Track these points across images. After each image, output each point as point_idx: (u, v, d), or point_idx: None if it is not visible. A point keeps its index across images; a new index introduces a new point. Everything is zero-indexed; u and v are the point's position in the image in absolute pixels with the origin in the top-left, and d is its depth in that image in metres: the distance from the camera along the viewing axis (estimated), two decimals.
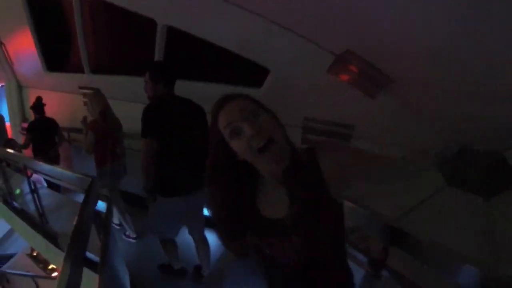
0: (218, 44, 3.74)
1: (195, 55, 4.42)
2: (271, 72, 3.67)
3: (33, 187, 3.43)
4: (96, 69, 5.65)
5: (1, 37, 6.90)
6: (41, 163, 3.23)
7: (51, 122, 5.12)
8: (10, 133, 7.68)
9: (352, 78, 2.94)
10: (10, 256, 7.07)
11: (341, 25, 2.61)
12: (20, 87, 7.72)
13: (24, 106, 7.73)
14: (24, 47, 6.55)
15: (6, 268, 6.65)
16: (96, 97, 3.66)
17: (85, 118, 3.74)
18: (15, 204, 4.05)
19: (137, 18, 4.39)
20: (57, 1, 5.51)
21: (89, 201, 2.19)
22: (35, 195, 3.44)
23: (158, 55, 4.50)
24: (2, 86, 8.19)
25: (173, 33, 4.21)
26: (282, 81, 3.60)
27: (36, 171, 3.36)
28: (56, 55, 6.25)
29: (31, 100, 7.34)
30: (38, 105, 5.15)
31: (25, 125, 5.74)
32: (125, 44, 5.22)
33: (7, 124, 8.53)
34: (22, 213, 3.85)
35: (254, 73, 3.77)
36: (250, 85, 3.93)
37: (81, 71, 5.72)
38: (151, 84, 2.48)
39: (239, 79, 4.09)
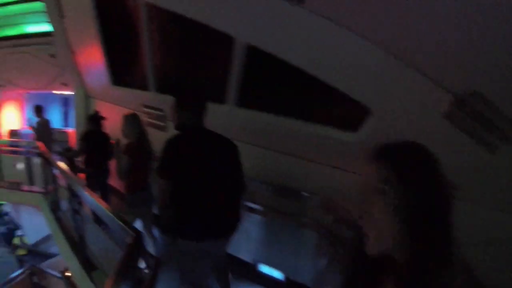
0: (311, 72, 3.02)
1: (278, 82, 3.65)
2: (373, 113, 2.89)
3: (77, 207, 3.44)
4: (162, 88, 5.11)
5: (73, 46, 6.82)
6: (90, 194, 3.01)
7: (106, 136, 4.88)
8: (74, 141, 7.83)
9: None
10: (52, 256, 7.14)
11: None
12: (87, 97, 7.68)
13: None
14: (93, 59, 6.38)
15: (45, 266, 6.84)
16: (133, 120, 3.50)
17: (118, 142, 3.55)
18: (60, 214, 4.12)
19: (212, 33, 3.77)
20: (128, 14, 5.10)
21: (129, 258, 2.06)
22: (78, 217, 3.45)
23: (234, 78, 3.84)
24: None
25: (254, 53, 3.51)
26: (386, 125, 2.90)
27: (82, 200, 3.26)
28: (123, 69, 5.91)
29: (96, 109, 7.41)
30: (94, 118, 4.94)
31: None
32: (195, 63, 4.63)
33: (71, 130, 8.64)
34: (64, 229, 3.89)
35: (350, 112, 3.16)
36: (342, 127, 3.27)
37: (147, 88, 5.25)
38: (177, 112, 2.22)
39: (330, 119, 3.36)
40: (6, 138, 9.21)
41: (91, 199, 2.92)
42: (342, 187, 3.61)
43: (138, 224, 3.54)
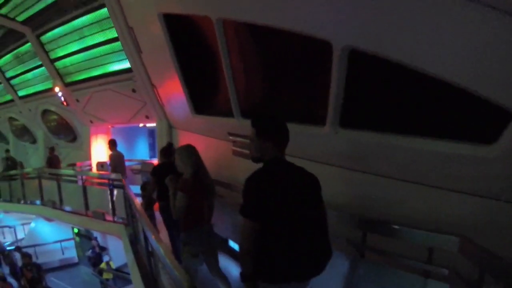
0: (431, 74, 2.48)
1: (387, 92, 3.10)
2: None
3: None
4: (248, 113, 4.79)
5: (152, 80, 6.96)
6: (154, 236, 2.89)
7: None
8: None
9: None
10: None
11: None
12: (170, 128, 7.76)
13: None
14: (173, 90, 6.37)
15: None
16: (187, 152, 3.21)
17: (171, 178, 3.19)
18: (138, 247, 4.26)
19: (302, 42, 3.35)
20: (204, 39, 4.95)
21: None
22: (151, 259, 3.50)
23: (334, 97, 3.31)
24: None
25: (356, 59, 2.99)
26: None
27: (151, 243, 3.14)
28: (205, 97, 5.79)
29: (180, 141, 7.54)
30: (165, 150, 4.75)
31: None
32: (284, 82, 4.22)
33: (155, 161, 8.85)
34: (139, 261, 3.96)
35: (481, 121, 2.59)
36: (473, 140, 2.60)
37: (231, 115, 4.99)
38: (258, 143, 2.01)
39: (456, 131, 2.70)
40: (94, 169, 9.74)
41: (154, 241, 2.85)
42: (480, 220, 2.96)
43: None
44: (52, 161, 9.87)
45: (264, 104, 4.63)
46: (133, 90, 7.76)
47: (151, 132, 12.17)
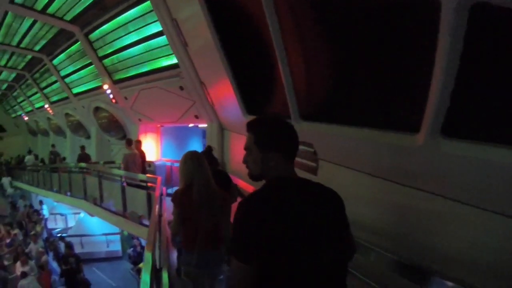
0: None
1: None
2: None
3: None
4: (309, 115, 3.98)
5: (201, 77, 6.42)
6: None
7: (222, 175, 4.14)
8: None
9: None
10: None
11: None
12: (222, 129, 7.24)
13: (224, 148, 7.24)
14: (223, 89, 5.77)
15: None
16: (183, 159, 2.78)
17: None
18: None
19: (389, 15, 2.45)
20: (255, 34, 4.22)
21: None
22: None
23: (438, 89, 2.12)
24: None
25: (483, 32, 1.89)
26: None
27: None
28: (258, 97, 5.11)
29: (232, 144, 7.02)
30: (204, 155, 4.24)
31: None
32: (355, 75, 3.20)
33: None
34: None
35: None
36: None
37: (288, 117, 4.14)
38: (258, 155, 1.40)
39: None
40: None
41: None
42: None
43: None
44: (82, 158, 10.51)
45: (330, 103, 3.75)
46: (181, 88, 7.27)
47: (205, 133, 11.72)
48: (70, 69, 12.26)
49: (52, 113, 16.94)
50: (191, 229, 2.67)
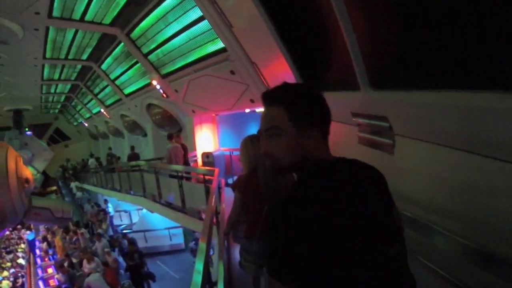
0: None
1: None
2: None
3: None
4: (380, 81, 3.27)
5: (252, 57, 6.02)
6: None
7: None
8: None
9: None
10: None
11: None
12: None
13: None
14: (276, 64, 5.30)
15: None
16: (242, 145, 2.74)
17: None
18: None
19: None
20: (309, 9, 3.63)
21: None
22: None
23: None
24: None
25: None
26: None
27: None
28: (316, 68, 4.53)
29: None
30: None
31: None
32: (431, 28, 2.48)
33: None
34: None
35: None
36: None
37: (355, 86, 3.19)
38: (294, 136, 1.06)
39: None
40: (199, 160, 9.67)
41: None
42: None
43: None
44: (131, 158, 11.33)
45: (405, 65, 2.96)
46: (232, 72, 6.95)
47: None
48: (119, 71, 12.47)
49: (108, 117, 17.67)
50: (254, 215, 2.58)
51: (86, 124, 25.08)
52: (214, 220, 4.34)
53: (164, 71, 9.36)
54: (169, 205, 7.57)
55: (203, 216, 5.96)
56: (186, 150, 7.92)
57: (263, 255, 2.48)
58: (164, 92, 9.75)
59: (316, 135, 1.06)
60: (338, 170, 1.06)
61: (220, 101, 8.48)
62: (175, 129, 11.65)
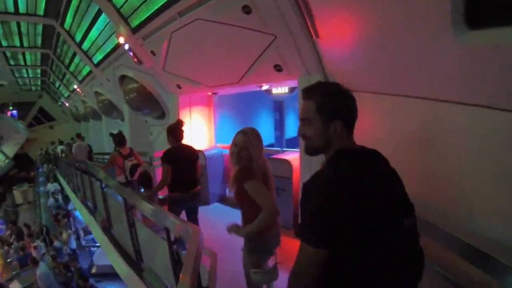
0: None
1: None
2: None
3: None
4: None
5: None
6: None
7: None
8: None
9: None
10: None
11: None
12: None
13: None
14: None
15: None
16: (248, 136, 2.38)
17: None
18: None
19: None
20: None
21: None
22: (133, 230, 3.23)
23: None
24: None
25: None
26: None
27: None
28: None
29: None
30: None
31: None
32: None
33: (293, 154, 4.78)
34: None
35: None
36: None
37: None
38: (321, 124, 1.34)
39: None
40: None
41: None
42: None
43: None
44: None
45: None
46: (246, 11, 3.61)
47: (278, 104, 7.95)
48: (84, 27, 9.00)
49: (82, 94, 14.25)
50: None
51: (67, 104, 21.62)
52: None
53: (136, 21, 5.90)
54: (119, 246, 4.28)
55: None
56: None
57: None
58: (134, 55, 6.28)
59: (339, 126, 1.29)
60: (361, 155, 1.32)
61: (220, 69, 5.04)
62: (155, 114, 8.20)
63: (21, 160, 21.59)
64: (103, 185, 4.62)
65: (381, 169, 1.32)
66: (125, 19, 6.07)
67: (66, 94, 19.82)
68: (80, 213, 7.67)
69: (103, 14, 7.04)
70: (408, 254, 1.27)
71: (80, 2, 7.94)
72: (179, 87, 6.22)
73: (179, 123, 3.69)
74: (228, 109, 7.10)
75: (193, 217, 3.77)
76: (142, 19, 5.62)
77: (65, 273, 8.00)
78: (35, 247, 9.71)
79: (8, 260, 9.75)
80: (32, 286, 7.82)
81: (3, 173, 18.61)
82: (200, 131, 6.74)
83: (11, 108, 27.08)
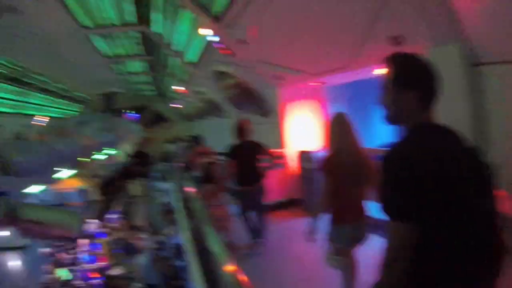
0: None
1: None
2: None
3: None
4: None
5: None
6: None
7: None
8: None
9: None
10: None
11: None
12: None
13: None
14: None
15: None
16: (331, 123, 2.65)
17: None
18: None
19: None
20: None
21: None
22: None
23: None
24: None
25: None
26: None
27: None
28: None
29: None
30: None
31: None
32: None
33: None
34: None
35: None
36: None
37: None
38: (394, 94, 1.32)
39: None
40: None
41: None
42: None
43: None
44: None
45: None
46: None
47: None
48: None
49: (189, 94, 14.57)
50: (344, 200, 2.52)
51: (179, 105, 22.90)
52: None
53: (217, 8, 4.94)
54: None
55: None
56: None
57: (356, 241, 2.55)
58: (223, 48, 5.35)
59: (412, 97, 1.26)
60: (440, 129, 1.28)
61: (321, 51, 3.80)
62: (257, 112, 7.28)
63: (139, 157, 24.00)
64: None
65: (462, 146, 1.26)
66: (205, 8, 5.18)
67: (175, 96, 20.88)
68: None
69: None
70: (487, 238, 1.20)
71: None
72: (277, 77, 5.10)
73: (242, 122, 4.18)
74: (344, 104, 5.67)
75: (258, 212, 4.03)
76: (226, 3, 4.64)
77: (166, 266, 8.07)
78: (140, 238, 10.11)
79: (112, 248, 10.39)
80: (133, 274, 8.07)
81: (124, 168, 20.78)
82: (307, 129, 5.57)
83: (129, 111, 30.30)
